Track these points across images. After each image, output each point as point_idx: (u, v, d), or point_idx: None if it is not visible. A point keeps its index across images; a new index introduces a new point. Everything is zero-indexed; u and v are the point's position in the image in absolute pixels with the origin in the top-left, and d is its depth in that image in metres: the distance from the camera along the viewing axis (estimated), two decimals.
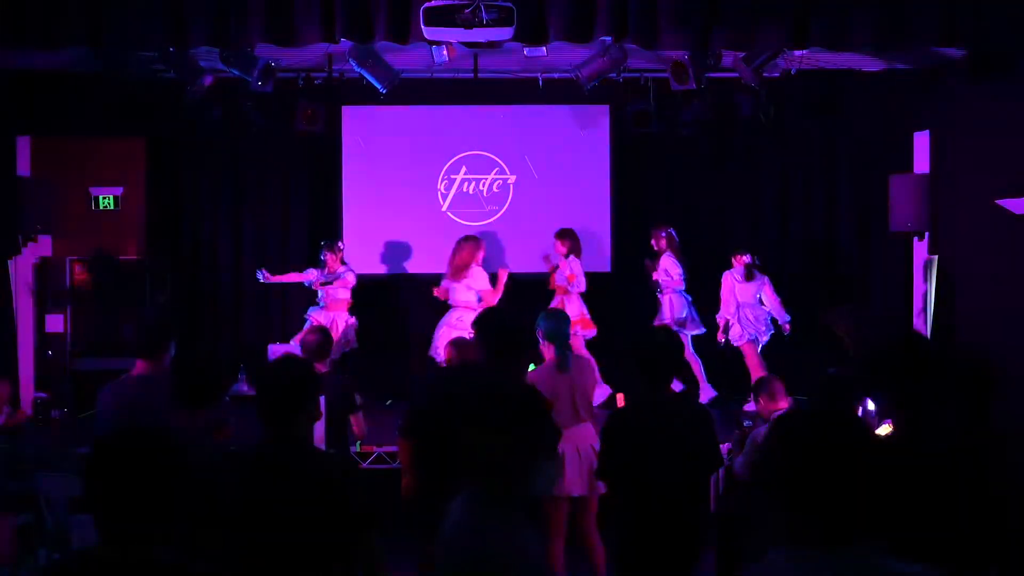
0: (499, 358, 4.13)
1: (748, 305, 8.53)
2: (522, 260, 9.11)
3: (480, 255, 8.23)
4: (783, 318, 8.51)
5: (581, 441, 5.11)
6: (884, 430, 5.35)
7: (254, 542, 2.97)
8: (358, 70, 7.92)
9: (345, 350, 8.54)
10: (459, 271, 8.17)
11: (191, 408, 3.52)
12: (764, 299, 8.57)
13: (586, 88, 8.18)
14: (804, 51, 7.61)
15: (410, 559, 4.17)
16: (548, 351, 5.18)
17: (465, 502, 2.58)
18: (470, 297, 8.13)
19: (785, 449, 1.90)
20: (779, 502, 1.89)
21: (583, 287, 8.53)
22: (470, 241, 8.26)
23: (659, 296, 8.66)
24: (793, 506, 1.87)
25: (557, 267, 8.60)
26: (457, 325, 7.87)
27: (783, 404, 5.22)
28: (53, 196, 8.81)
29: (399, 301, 9.60)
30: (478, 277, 8.20)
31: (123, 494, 2.10)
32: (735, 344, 8.55)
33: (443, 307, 8.56)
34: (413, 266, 9.42)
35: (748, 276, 8.53)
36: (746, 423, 6.43)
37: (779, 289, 9.20)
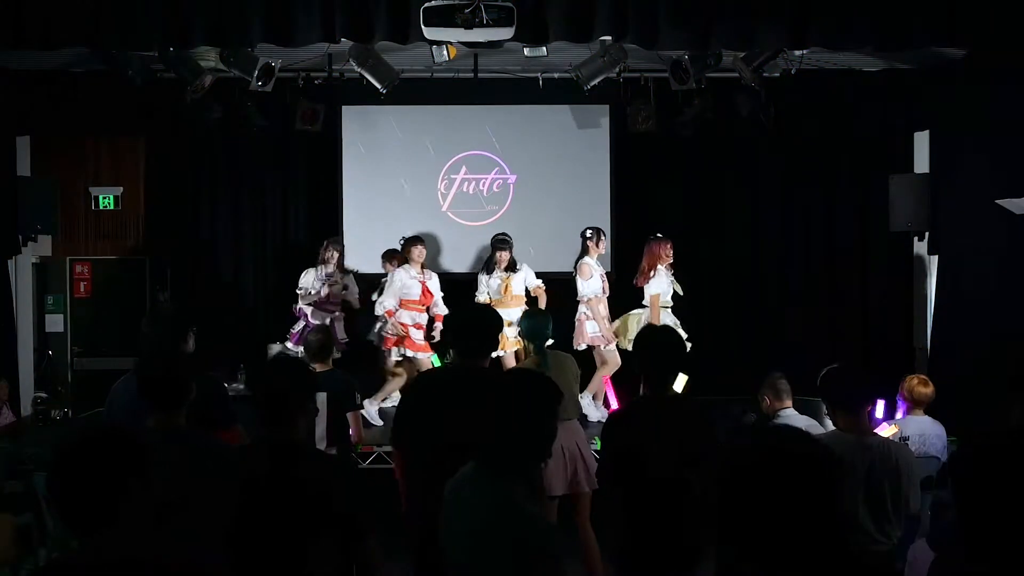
0: (467, 355, 4.12)
1: None
2: (521, 260, 9.08)
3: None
4: None
5: (566, 439, 5.10)
6: (889, 431, 5.36)
7: (250, 542, 2.97)
8: (358, 70, 7.92)
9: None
10: None
11: (156, 410, 3.51)
12: None
13: (586, 88, 8.17)
14: (804, 51, 7.62)
15: (409, 560, 4.15)
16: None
17: (483, 482, 2.64)
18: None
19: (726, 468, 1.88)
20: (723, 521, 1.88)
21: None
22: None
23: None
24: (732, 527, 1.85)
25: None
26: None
27: (788, 403, 5.20)
28: (53, 196, 8.82)
29: None
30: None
31: (81, 494, 2.11)
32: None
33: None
34: None
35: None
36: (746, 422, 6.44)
37: (779, 288, 9.22)
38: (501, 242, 8.38)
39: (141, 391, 3.54)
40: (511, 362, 8.14)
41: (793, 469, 1.80)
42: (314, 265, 8.56)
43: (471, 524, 2.61)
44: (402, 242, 8.28)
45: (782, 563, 1.79)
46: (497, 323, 4.30)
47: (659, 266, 7.90)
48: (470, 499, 2.65)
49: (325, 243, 8.60)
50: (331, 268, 8.49)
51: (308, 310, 8.47)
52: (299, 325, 8.49)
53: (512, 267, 8.37)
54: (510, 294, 8.31)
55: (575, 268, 8.11)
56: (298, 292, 8.50)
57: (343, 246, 8.83)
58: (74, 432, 2.22)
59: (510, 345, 8.12)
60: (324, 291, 8.45)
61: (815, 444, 1.88)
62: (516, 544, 2.52)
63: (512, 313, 7.99)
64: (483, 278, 8.46)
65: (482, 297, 8.40)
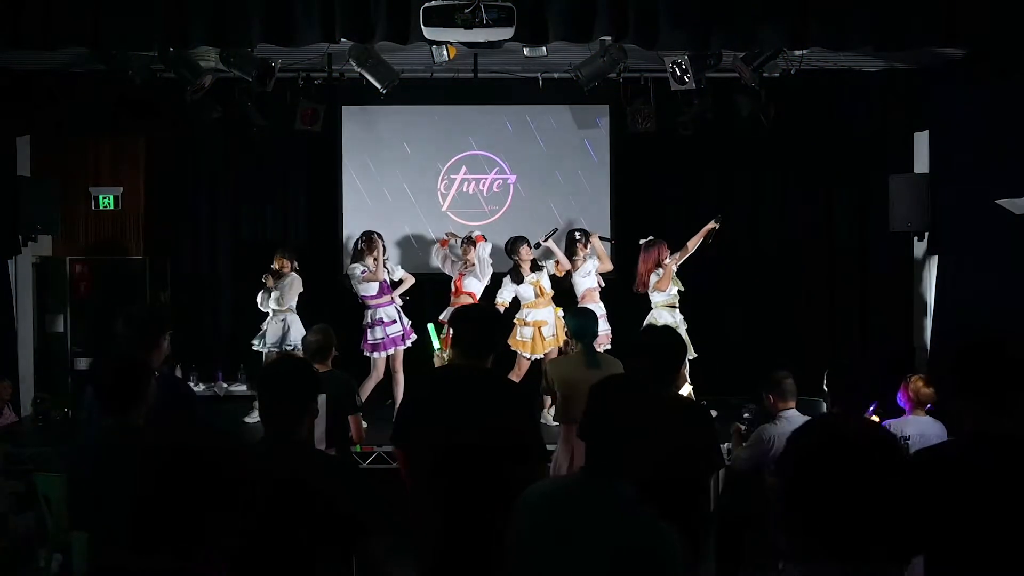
0: (471, 354, 4.12)
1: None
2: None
3: None
4: None
5: None
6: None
7: (252, 543, 2.96)
8: (358, 70, 7.92)
9: None
10: None
11: (111, 412, 3.52)
12: None
13: (586, 88, 8.17)
14: (804, 51, 7.62)
15: (412, 559, 4.16)
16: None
17: (598, 489, 2.54)
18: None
19: (796, 460, 1.88)
20: (792, 515, 1.87)
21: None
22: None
23: None
24: (807, 519, 1.84)
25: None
26: None
27: (791, 404, 5.17)
28: (53, 196, 8.81)
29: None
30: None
31: (171, 501, 1.92)
32: None
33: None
34: (413, 266, 9.39)
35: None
36: (745, 415, 6.45)
37: (779, 288, 9.18)
38: (517, 240, 8.45)
39: (96, 394, 3.55)
40: (525, 366, 8.16)
41: (867, 456, 1.83)
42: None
43: (587, 534, 2.48)
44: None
45: (854, 551, 1.81)
46: (499, 323, 4.30)
47: (660, 269, 8.04)
48: (582, 508, 2.54)
49: (367, 236, 8.34)
50: (370, 261, 8.22)
51: (382, 312, 8.24)
52: (379, 331, 8.24)
53: (535, 267, 8.46)
54: (544, 294, 8.37)
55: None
56: (361, 274, 8.18)
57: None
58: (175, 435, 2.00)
59: (543, 347, 8.14)
60: (397, 275, 8.51)
61: (883, 431, 1.94)
62: (649, 554, 2.46)
63: (546, 313, 8.04)
64: (511, 286, 8.41)
65: (503, 299, 8.41)
